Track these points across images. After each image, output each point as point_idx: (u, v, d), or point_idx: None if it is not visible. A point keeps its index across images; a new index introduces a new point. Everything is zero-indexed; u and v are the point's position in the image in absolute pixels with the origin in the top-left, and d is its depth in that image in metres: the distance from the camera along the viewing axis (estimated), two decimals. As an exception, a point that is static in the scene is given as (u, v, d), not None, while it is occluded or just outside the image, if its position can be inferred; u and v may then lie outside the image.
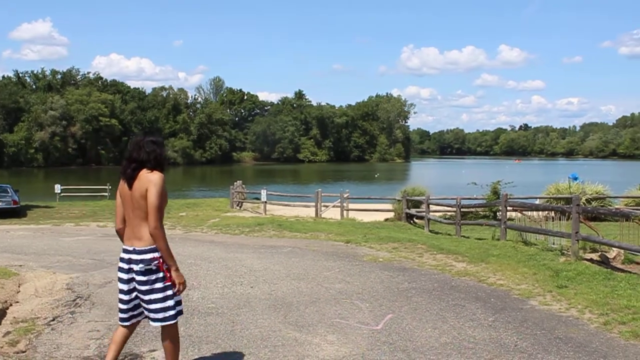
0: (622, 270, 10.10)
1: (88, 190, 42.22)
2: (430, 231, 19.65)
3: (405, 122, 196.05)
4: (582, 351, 6.00)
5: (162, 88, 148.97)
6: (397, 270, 10.69)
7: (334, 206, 28.02)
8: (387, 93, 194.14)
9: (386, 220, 24.74)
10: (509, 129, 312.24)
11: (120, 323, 4.98)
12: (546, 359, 5.78)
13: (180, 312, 4.90)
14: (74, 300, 8.24)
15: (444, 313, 7.53)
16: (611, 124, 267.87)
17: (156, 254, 4.70)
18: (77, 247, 14.06)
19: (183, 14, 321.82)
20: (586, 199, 24.94)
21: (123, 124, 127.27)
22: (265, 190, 29.43)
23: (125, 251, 4.82)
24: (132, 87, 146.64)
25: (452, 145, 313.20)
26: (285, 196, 33.36)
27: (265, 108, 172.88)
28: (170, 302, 4.77)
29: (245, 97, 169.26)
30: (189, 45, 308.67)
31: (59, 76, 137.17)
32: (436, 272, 10.49)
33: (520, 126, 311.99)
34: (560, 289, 8.78)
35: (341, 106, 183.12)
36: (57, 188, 38.68)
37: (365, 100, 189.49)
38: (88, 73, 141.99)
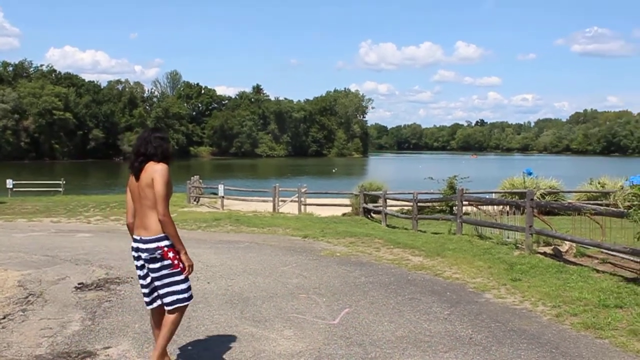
0: (574, 263, 10.28)
1: (41, 185, 41.33)
2: (387, 226, 19.77)
3: (363, 117, 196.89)
4: (535, 343, 6.09)
5: (118, 81, 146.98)
6: (354, 264, 10.72)
7: (291, 201, 27.98)
8: (345, 88, 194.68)
9: (344, 215, 24.81)
10: (465, 124, 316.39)
11: (147, 307, 5.30)
12: (500, 351, 5.85)
13: (191, 297, 5.19)
14: (26, 297, 8.05)
15: (400, 307, 7.57)
16: (565, 120, 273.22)
17: (160, 244, 4.98)
18: (30, 244, 13.77)
19: (139, 7, 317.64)
20: (540, 194, 25.32)
21: (77, 118, 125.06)
22: (222, 185, 29.25)
23: (135, 240, 5.14)
24: (86, 80, 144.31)
25: (409, 141, 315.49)
26: (243, 191, 33.20)
27: (223, 102, 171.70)
28: (178, 287, 5.08)
29: (203, 92, 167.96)
30: (146, 39, 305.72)
31: (11, 68, 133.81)
32: (393, 267, 10.54)
33: (477, 122, 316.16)
34: (514, 282, 8.90)
35: (299, 101, 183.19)
36: (9, 183, 37.78)
37: (324, 95, 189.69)
38: (41, 65, 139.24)
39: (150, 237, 4.98)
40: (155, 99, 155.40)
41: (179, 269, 5.04)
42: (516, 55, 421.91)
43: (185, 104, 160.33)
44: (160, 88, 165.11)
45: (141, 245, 5.03)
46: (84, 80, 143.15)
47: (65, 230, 16.54)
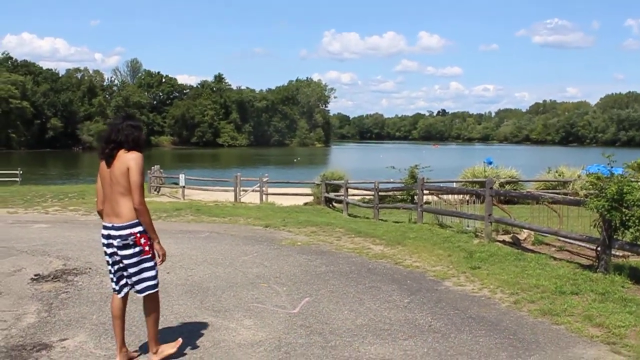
0: (532, 251, 10.43)
1: (-2, 175, 40.57)
2: (348, 215, 19.82)
3: (326, 106, 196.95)
4: (493, 329, 6.16)
5: (77, 69, 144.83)
6: (315, 253, 10.72)
7: (253, 190, 27.90)
8: (307, 77, 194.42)
9: (305, 204, 24.81)
10: (427, 114, 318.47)
11: (115, 294, 5.28)
12: (459, 338, 5.90)
13: (158, 284, 5.27)
14: (-20, 288, 7.89)
15: (360, 295, 7.59)
16: (524, 111, 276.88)
17: (133, 230, 5.02)
18: (-15, 234, 13.49)
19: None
20: (500, 183, 25.64)
21: (35, 107, 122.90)
22: (183, 175, 29.05)
23: (105, 227, 5.12)
24: (44, 68, 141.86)
25: (371, 130, 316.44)
26: (204, 181, 32.99)
27: (184, 91, 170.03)
28: (149, 274, 5.14)
29: (164, 80, 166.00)
30: (106, 26, 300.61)
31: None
32: (354, 255, 10.57)
33: (438, 112, 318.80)
34: (473, 270, 8.99)
35: (261, 90, 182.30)
36: (-36, 173, 37.05)
37: (286, 84, 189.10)
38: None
39: (123, 224, 5.00)
40: (115, 88, 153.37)
41: (150, 256, 5.12)
42: (478, 46, 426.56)
43: (146, 93, 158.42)
44: (121, 77, 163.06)
45: (113, 232, 5.03)
46: (41, 68, 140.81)
47: (22, 221, 16.22)
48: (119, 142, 5.05)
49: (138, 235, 5.03)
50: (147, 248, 5.09)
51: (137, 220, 5.03)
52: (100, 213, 5.26)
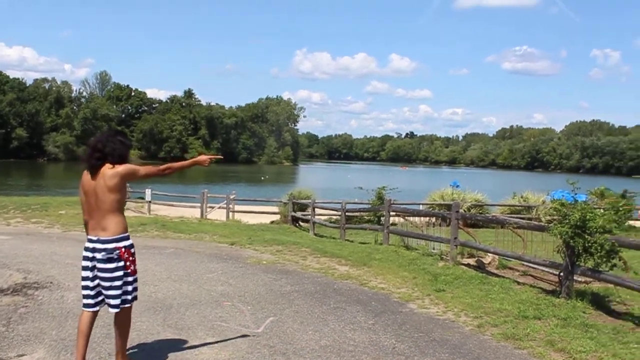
0: (497, 275, 10.50)
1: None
2: (315, 234, 19.80)
3: (295, 125, 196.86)
4: (456, 353, 6.18)
5: (45, 80, 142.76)
6: (280, 273, 10.67)
7: (219, 207, 27.76)
8: (277, 96, 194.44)
9: (272, 222, 24.74)
10: (396, 136, 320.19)
11: (85, 309, 5.20)
12: (422, 361, 5.90)
13: (135, 297, 5.32)
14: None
15: (325, 316, 7.56)
16: (492, 135, 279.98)
17: (118, 244, 5.04)
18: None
19: (72, 4, 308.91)
20: (467, 206, 25.83)
21: (0, 116, 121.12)
22: (149, 190, 28.78)
23: (90, 241, 5.10)
24: (11, 77, 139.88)
25: (340, 150, 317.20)
26: (170, 196, 32.65)
27: (154, 106, 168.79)
28: (129, 287, 5.17)
29: (133, 94, 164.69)
30: (77, 37, 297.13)
31: None
32: (319, 275, 10.54)
33: (407, 134, 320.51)
34: (438, 292, 9.03)
35: (231, 107, 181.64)
36: None
37: (256, 102, 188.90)
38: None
39: (109, 238, 5.02)
40: (83, 100, 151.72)
41: (130, 271, 5.15)
42: (448, 70, 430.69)
43: (115, 106, 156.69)
44: (89, 88, 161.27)
45: (98, 246, 5.03)
46: (8, 76, 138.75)
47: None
48: (105, 153, 5.05)
49: (123, 249, 5.06)
50: (128, 263, 5.11)
51: (123, 235, 5.07)
52: (86, 224, 5.22)
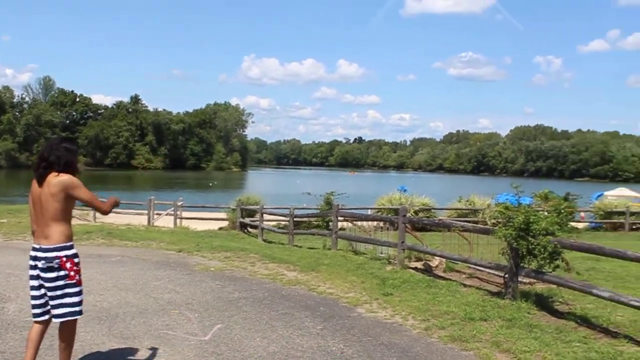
0: (444, 278, 10.62)
1: None
2: (263, 240, 19.74)
3: (243, 131, 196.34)
4: (404, 356, 6.21)
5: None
6: (228, 279, 10.59)
7: (167, 214, 27.45)
8: (225, 101, 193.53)
9: (220, 229, 24.55)
10: (344, 141, 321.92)
11: (34, 319, 5.15)
12: (370, 366, 5.92)
13: (81, 312, 5.17)
14: None
15: (273, 322, 7.53)
16: (439, 140, 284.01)
17: (59, 253, 4.94)
18: None
19: (13, 9, 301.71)
20: (414, 210, 26.09)
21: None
22: (95, 197, 28.25)
23: (33, 249, 5.06)
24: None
25: (288, 156, 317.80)
26: (116, 203, 32.17)
27: (99, 112, 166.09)
28: (71, 300, 5.02)
29: (78, 100, 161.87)
30: (19, 42, 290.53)
31: None
32: (267, 282, 10.49)
33: (355, 139, 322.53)
34: (386, 296, 9.07)
35: (179, 113, 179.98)
36: None
37: (203, 108, 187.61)
38: None
39: (50, 246, 4.95)
40: (26, 106, 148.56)
41: (74, 281, 5.03)
42: (396, 76, 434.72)
43: (59, 112, 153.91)
44: (32, 94, 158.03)
45: (39, 254, 4.97)
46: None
47: None
48: (50, 162, 5.03)
49: (64, 259, 4.96)
50: (72, 273, 5.00)
51: (64, 244, 4.98)
52: (33, 233, 5.20)
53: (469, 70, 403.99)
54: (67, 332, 5.13)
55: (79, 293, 5.10)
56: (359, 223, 16.68)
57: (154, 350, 6.22)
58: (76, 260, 5.06)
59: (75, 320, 5.15)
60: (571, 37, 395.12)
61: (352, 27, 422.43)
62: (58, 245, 4.96)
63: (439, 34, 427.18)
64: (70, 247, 5.05)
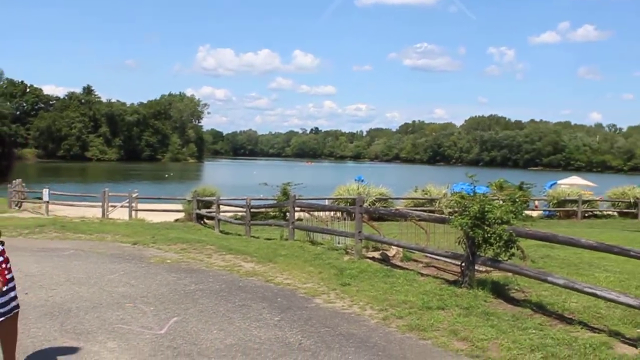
0: (401, 268, 10.66)
1: None
2: (220, 232, 19.62)
3: (199, 122, 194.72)
4: (363, 346, 6.20)
5: None
6: (184, 271, 10.47)
7: (122, 206, 27.07)
8: (180, 92, 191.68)
9: (176, 221, 24.32)
10: (300, 132, 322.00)
11: None
12: (329, 356, 5.89)
13: (13, 308, 4.80)
14: None
15: (230, 314, 7.45)
16: (395, 130, 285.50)
17: None
18: None
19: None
20: (371, 200, 26.20)
21: None
22: (47, 190, 27.75)
23: None
24: None
25: (245, 147, 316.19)
26: (70, 196, 31.61)
27: (51, 102, 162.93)
28: None
29: (28, 90, 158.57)
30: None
31: None
32: (224, 273, 10.40)
33: (312, 129, 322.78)
34: (343, 286, 9.06)
35: (133, 104, 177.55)
36: None
37: (158, 98, 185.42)
38: None
39: None
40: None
41: None
42: (352, 66, 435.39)
43: (8, 103, 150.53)
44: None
45: None
46: None
47: None
48: None
49: None
50: None
51: None
52: None
53: (423, 61, 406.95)
54: (6, 331, 4.83)
55: (9, 291, 4.77)
56: (316, 213, 16.67)
57: (108, 345, 6.10)
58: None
59: (11, 318, 4.81)
60: (523, 29, 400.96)
61: (307, 18, 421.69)
62: None
63: (394, 25, 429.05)
64: None
